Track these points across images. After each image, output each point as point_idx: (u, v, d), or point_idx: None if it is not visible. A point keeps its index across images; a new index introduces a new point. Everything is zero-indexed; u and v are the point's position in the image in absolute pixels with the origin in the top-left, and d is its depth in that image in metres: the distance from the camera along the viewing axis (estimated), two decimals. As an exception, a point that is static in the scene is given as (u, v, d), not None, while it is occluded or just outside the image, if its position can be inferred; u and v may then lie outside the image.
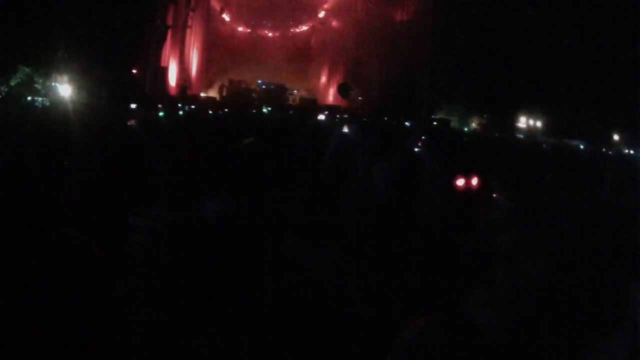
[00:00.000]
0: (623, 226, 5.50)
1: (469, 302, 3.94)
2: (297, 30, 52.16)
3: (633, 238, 4.81)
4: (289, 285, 4.04)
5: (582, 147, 27.16)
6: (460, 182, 5.90)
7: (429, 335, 3.04)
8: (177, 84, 43.30)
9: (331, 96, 49.04)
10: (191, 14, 45.36)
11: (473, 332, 3.49)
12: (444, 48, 41.10)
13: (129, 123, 11.15)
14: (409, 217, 5.42)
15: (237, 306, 3.85)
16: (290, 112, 32.19)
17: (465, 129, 38.17)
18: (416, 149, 9.44)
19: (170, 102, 29.01)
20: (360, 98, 44.68)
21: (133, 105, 19.61)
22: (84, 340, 3.50)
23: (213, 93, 47.39)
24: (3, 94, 27.09)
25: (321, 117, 8.20)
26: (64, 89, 27.89)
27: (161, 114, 18.30)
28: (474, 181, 5.93)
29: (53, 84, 28.97)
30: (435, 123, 35.46)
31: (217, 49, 50.12)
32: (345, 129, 8.42)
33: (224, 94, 45.90)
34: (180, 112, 21.06)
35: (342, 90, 42.57)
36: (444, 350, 2.87)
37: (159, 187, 5.49)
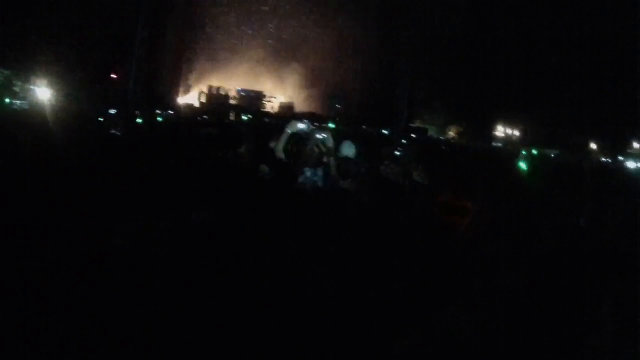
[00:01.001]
0: (608, 230, 5.58)
1: (451, 312, 3.98)
2: (278, 37, 52.09)
3: (622, 240, 4.88)
4: (281, 290, 4.08)
5: (553, 155, 27.37)
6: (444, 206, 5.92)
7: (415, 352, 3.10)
8: (157, 90, 43.14)
9: (308, 102, 49.08)
10: (172, 20, 45.22)
11: (456, 343, 3.55)
12: (423, 56, 41.30)
13: (112, 131, 11.13)
14: (392, 225, 5.47)
15: (231, 309, 3.88)
16: (266, 119, 32.21)
17: (442, 138, 38.39)
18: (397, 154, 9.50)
19: (149, 107, 28.89)
20: (338, 106, 44.83)
21: (112, 111, 19.51)
22: (80, 340, 3.52)
23: (192, 99, 47.25)
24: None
25: (301, 125, 8.03)
26: (43, 92, 27.67)
27: (139, 120, 18.24)
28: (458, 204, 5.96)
29: (31, 87, 28.74)
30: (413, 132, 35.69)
31: (197, 56, 49.94)
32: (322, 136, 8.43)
33: (203, 100, 45.79)
34: (159, 119, 20.99)
35: (333, 101, 42.97)
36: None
37: (145, 195, 5.51)
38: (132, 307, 3.83)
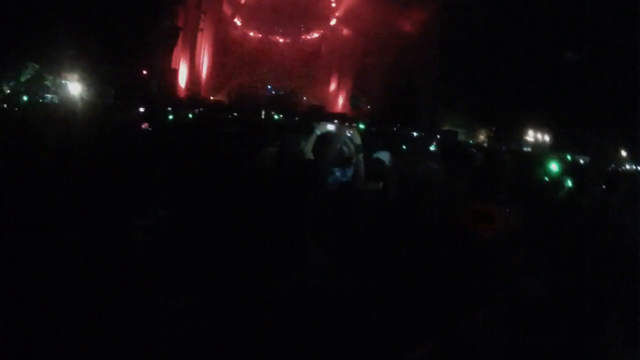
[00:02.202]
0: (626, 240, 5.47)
1: (468, 323, 3.89)
2: (308, 37, 52.12)
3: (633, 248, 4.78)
4: (289, 287, 4.02)
5: (581, 161, 26.97)
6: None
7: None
8: (186, 87, 43.40)
9: (339, 103, 49.11)
10: (202, 16, 45.42)
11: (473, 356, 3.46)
12: (451, 58, 41.15)
13: (143, 126, 11.18)
14: (412, 227, 5.40)
15: (237, 303, 3.83)
16: (296, 118, 32.17)
17: (471, 141, 38.11)
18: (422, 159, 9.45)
19: (178, 104, 29.02)
20: (369, 107, 44.78)
21: (141, 109, 19.56)
22: (85, 339, 3.48)
23: (222, 97, 47.39)
24: (12, 90, 27.10)
25: (330, 127, 8.06)
26: (74, 87, 27.85)
27: (171, 117, 18.27)
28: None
29: (62, 81, 28.91)
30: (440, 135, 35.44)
31: (228, 53, 50.06)
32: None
33: (233, 98, 45.92)
34: (190, 115, 21.02)
35: (353, 101, 42.85)
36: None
37: (159, 189, 5.49)
38: (146, 299, 3.81)
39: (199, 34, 45.62)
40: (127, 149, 7.04)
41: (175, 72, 41.77)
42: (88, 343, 3.60)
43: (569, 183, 10.03)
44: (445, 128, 40.63)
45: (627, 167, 31.03)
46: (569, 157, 22.47)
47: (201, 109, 27.78)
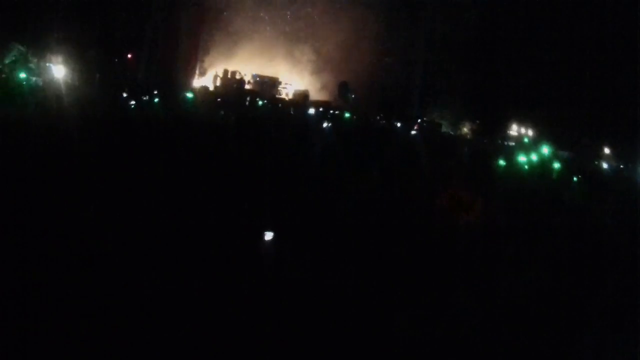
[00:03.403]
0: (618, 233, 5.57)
1: (455, 306, 3.96)
2: (295, 24, 51.91)
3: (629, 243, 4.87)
4: (284, 285, 4.08)
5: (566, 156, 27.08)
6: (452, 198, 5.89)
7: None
8: (173, 72, 43.15)
9: (324, 91, 49.04)
10: (189, 2, 45.18)
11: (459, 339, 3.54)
12: (439, 50, 41.20)
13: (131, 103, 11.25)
14: (402, 219, 5.46)
15: (232, 305, 3.88)
16: (279, 105, 32.15)
17: (452, 133, 38.22)
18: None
19: (164, 89, 28.94)
20: (353, 96, 44.71)
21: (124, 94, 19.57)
22: (83, 338, 3.53)
23: (206, 82, 47.22)
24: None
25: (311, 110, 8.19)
26: (58, 70, 27.67)
27: (156, 100, 18.28)
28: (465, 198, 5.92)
29: (47, 64, 28.67)
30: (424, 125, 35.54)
31: (213, 39, 49.84)
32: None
33: (217, 83, 45.75)
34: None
35: (342, 89, 42.81)
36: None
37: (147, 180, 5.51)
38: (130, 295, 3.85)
39: (185, 20, 45.38)
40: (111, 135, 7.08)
41: (161, 57, 41.59)
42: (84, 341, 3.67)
43: (556, 165, 10.13)
44: (429, 120, 40.71)
45: (606, 165, 31.19)
46: (545, 153, 22.60)
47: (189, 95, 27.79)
